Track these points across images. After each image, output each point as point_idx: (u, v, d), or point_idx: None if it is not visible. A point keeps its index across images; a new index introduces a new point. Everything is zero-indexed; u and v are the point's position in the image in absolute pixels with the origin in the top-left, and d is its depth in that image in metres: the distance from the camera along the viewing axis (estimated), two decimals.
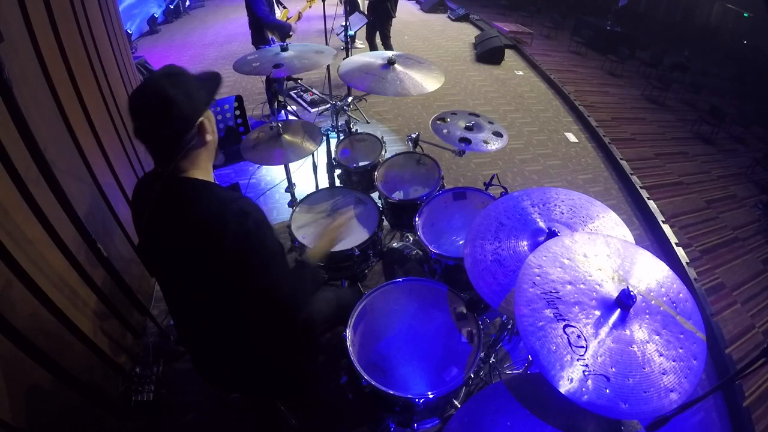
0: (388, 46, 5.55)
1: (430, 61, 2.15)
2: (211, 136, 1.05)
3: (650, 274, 1.07)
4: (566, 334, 0.94)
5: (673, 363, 0.92)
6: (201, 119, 1.00)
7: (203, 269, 1.04)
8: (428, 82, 2.00)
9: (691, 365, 0.93)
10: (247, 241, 0.99)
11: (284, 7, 4.13)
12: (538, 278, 1.04)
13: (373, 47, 5.61)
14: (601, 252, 1.10)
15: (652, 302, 1.01)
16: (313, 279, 1.25)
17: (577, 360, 0.90)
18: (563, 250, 1.10)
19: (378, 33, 5.45)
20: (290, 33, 3.91)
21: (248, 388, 1.40)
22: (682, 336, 0.97)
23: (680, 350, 0.94)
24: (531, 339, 0.94)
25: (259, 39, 3.89)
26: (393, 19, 5.38)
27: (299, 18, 4.20)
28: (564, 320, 0.96)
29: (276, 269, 1.08)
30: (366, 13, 5.25)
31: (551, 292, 1.01)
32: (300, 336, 1.40)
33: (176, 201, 1.02)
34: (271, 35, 3.88)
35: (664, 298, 1.03)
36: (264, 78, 4.21)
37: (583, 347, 0.92)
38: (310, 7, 4.38)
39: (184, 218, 1.01)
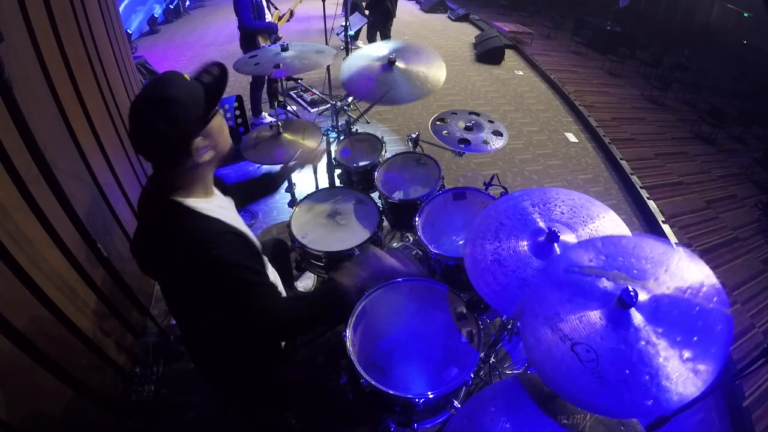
0: None
1: (428, 50, 2.10)
2: (212, 152, 1.01)
3: (657, 258, 1.03)
4: (575, 353, 0.92)
5: (690, 349, 0.89)
6: (195, 142, 0.96)
7: (181, 290, 1.07)
8: (433, 73, 1.96)
9: (715, 338, 0.89)
10: (222, 287, 0.97)
11: (276, 8, 4.12)
12: (538, 306, 1.02)
13: None
14: (595, 255, 1.08)
15: (658, 292, 0.98)
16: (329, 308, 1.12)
17: (592, 373, 0.88)
18: (557, 266, 1.08)
19: (378, 33, 5.47)
20: (279, 35, 3.89)
21: (232, 396, 1.39)
22: (696, 317, 0.92)
23: (695, 338, 0.90)
24: (548, 370, 0.92)
25: (247, 45, 3.81)
26: (393, 19, 5.38)
27: (291, 16, 4.17)
28: (570, 340, 0.94)
29: (260, 301, 1.01)
30: (366, 12, 5.26)
31: (553, 317, 0.99)
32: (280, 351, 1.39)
33: (160, 223, 1.02)
34: (263, 42, 3.82)
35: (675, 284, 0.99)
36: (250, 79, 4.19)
37: (594, 360, 0.90)
38: (300, 2, 4.37)
39: (166, 242, 1.01)
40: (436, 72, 1.96)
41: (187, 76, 0.98)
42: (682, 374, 0.86)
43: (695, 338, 0.90)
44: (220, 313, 1.08)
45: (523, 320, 1.03)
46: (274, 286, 1.08)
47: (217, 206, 1.09)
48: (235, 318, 1.08)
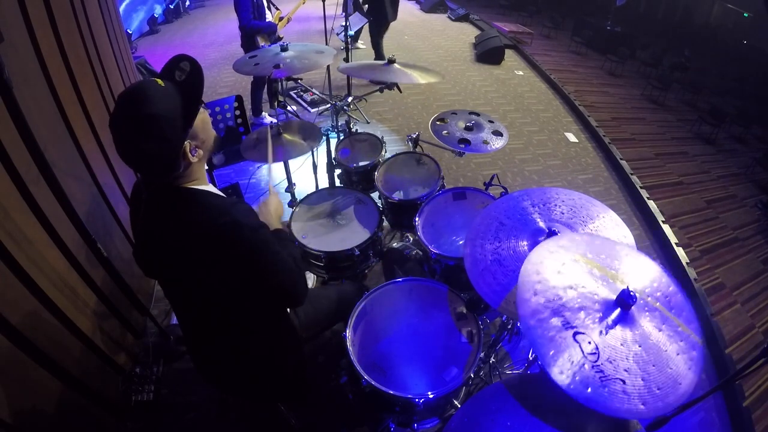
0: (378, 54, 5.54)
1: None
2: (200, 151, 1.01)
3: (640, 271, 1.07)
4: (577, 342, 0.91)
5: (677, 356, 0.92)
6: (183, 147, 0.95)
7: (199, 279, 1.05)
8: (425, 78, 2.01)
9: (692, 355, 0.93)
10: (246, 251, 0.99)
11: (276, 9, 4.12)
12: (539, 285, 1.01)
13: (377, 52, 5.62)
14: (591, 252, 1.09)
15: (648, 300, 1.00)
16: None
17: (592, 368, 0.88)
18: (556, 254, 1.08)
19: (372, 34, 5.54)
20: (279, 36, 3.91)
21: (247, 392, 1.39)
22: (679, 329, 0.96)
23: (681, 343, 0.94)
24: (545, 352, 0.91)
25: (248, 45, 3.84)
26: (390, 24, 5.41)
27: (288, 21, 4.21)
28: (572, 327, 0.93)
29: (281, 263, 1.07)
30: (366, 12, 5.27)
31: (554, 299, 0.98)
32: (296, 338, 1.39)
33: (168, 212, 1.01)
34: (262, 42, 3.83)
35: (658, 294, 1.02)
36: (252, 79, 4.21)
37: (595, 354, 0.90)
38: (303, 3, 4.39)
39: (177, 230, 1.00)
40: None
41: (160, 81, 0.94)
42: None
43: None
44: (242, 291, 1.07)
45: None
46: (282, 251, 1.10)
47: (215, 190, 1.11)
48: (256, 291, 1.09)
